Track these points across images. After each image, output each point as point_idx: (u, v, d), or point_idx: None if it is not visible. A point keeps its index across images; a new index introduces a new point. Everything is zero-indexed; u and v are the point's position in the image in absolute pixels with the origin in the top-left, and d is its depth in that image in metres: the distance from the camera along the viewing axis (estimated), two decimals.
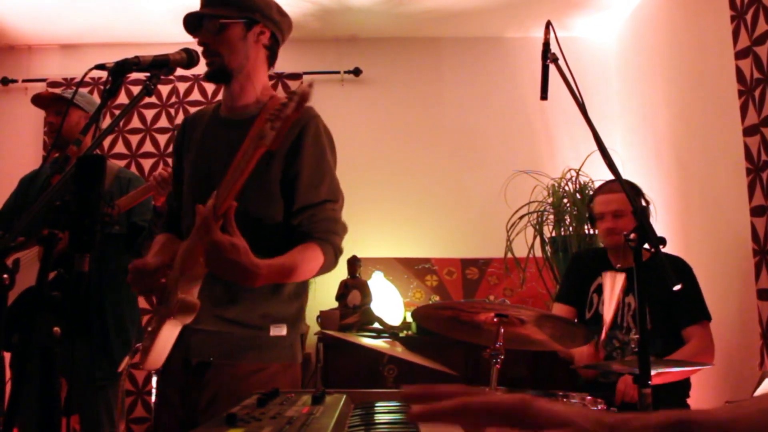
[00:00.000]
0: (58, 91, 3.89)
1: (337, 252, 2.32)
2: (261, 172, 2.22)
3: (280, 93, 5.53)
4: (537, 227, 4.79)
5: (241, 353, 2.28)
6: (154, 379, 4.10)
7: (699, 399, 3.49)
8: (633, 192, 3.35)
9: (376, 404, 1.62)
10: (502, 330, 2.52)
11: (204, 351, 2.27)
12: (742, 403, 0.83)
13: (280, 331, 2.32)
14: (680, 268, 3.33)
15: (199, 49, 2.35)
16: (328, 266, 2.29)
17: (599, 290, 3.46)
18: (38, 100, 3.81)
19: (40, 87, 5.53)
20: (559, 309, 3.60)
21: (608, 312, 3.04)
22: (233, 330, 2.26)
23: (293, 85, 5.67)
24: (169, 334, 2.18)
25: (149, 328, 2.24)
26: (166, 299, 2.21)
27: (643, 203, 3.50)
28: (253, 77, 2.46)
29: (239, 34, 2.39)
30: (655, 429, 0.75)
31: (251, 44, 2.43)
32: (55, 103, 3.77)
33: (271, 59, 2.56)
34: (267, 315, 2.31)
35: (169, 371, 2.33)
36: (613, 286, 3.01)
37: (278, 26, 2.51)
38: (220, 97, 2.56)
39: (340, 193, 2.39)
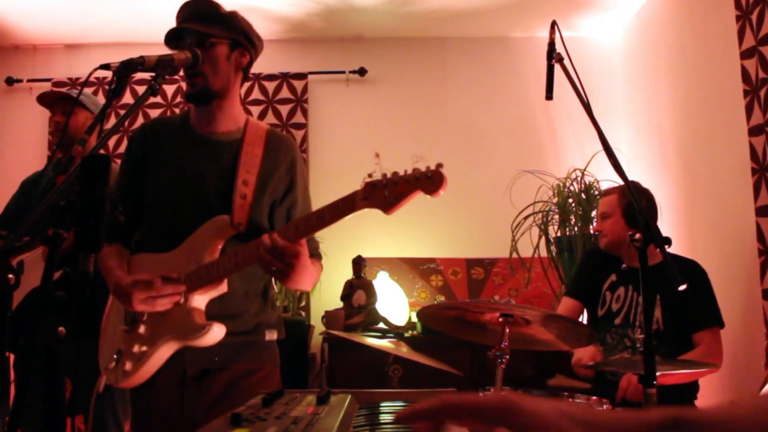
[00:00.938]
0: (64, 90, 3.88)
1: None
2: (258, 196, 2.37)
3: (284, 94, 5.54)
4: (542, 227, 4.78)
5: (238, 356, 2.36)
6: None
7: (706, 400, 3.48)
8: (629, 194, 3.37)
9: (381, 404, 1.62)
10: (508, 330, 2.51)
11: (203, 359, 2.32)
12: (740, 402, 0.80)
13: (272, 335, 2.47)
14: (693, 272, 3.31)
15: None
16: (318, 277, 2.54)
17: (612, 288, 3.46)
18: (44, 99, 3.80)
19: (45, 87, 5.53)
20: (566, 302, 3.60)
21: None
22: (229, 340, 2.29)
23: (298, 85, 5.67)
24: (166, 353, 2.22)
25: (143, 348, 2.24)
26: (171, 320, 2.23)
27: (643, 204, 3.48)
28: (232, 99, 2.48)
29: (224, 53, 2.40)
30: (652, 427, 0.74)
31: (233, 66, 2.43)
32: (60, 101, 3.76)
33: (242, 82, 2.55)
34: (260, 323, 2.44)
35: (157, 386, 2.34)
36: None
37: (256, 51, 2.54)
38: None
39: None
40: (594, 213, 4.66)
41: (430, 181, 1.78)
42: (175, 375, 2.32)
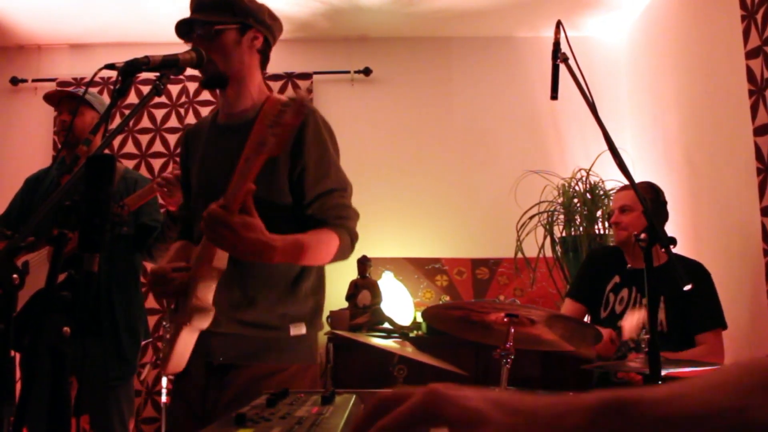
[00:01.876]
0: (70, 89, 3.89)
1: (353, 236, 2.34)
2: (269, 172, 2.24)
3: (289, 93, 5.53)
4: (547, 227, 4.78)
5: (261, 355, 2.30)
6: (164, 380, 4.09)
7: None
8: (646, 191, 3.36)
9: None
10: (513, 330, 2.51)
11: (225, 353, 2.30)
12: (689, 379, 0.75)
13: (299, 330, 2.34)
14: (698, 273, 3.30)
15: None
16: (345, 250, 2.31)
17: (615, 289, 3.44)
18: (50, 97, 3.81)
19: (50, 87, 5.54)
20: (569, 305, 3.58)
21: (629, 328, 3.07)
22: (253, 333, 2.29)
23: (303, 85, 5.67)
24: (187, 340, 2.21)
25: (169, 335, 2.25)
26: (182, 306, 2.23)
27: (658, 205, 3.47)
28: (248, 82, 2.46)
29: (233, 39, 2.39)
30: (586, 413, 0.68)
31: (245, 49, 2.42)
32: (67, 100, 3.76)
33: (264, 62, 2.54)
34: (285, 315, 2.33)
35: (190, 373, 2.32)
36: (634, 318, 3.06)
37: (270, 31, 2.52)
38: None
39: (347, 182, 2.41)
40: (599, 213, 4.66)
41: (296, 103, 1.75)
42: (202, 366, 2.31)
